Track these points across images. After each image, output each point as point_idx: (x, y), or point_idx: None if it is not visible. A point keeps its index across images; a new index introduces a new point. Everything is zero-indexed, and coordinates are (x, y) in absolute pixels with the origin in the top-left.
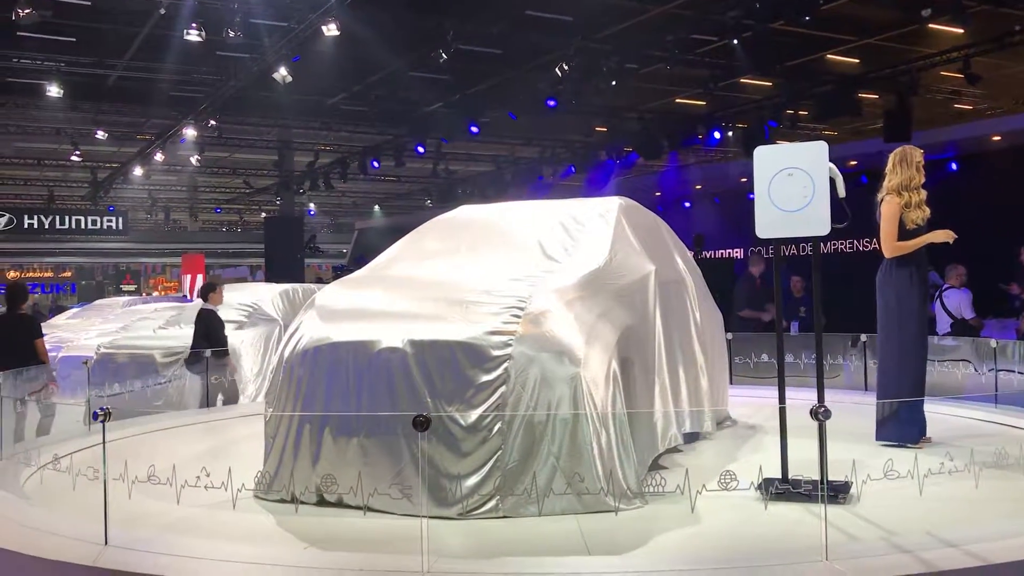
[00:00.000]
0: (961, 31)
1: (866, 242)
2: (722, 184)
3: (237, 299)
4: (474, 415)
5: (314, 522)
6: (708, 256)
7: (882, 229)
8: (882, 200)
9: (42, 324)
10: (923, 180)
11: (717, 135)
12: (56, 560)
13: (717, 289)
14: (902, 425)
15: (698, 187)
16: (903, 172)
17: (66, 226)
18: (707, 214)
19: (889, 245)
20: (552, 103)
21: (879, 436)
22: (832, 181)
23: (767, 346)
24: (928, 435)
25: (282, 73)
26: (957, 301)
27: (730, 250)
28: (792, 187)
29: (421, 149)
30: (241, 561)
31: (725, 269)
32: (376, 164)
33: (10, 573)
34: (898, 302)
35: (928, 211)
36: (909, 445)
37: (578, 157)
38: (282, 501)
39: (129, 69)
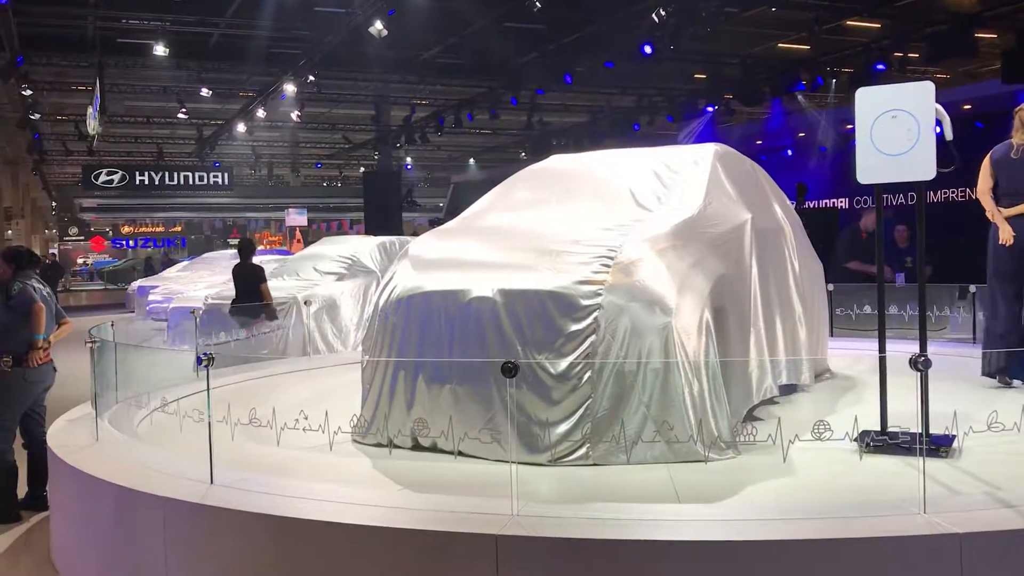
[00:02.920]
0: None
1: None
2: (826, 131)
3: (337, 251)
4: (564, 364)
5: (408, 465)
6: (812, 206)
7: None
8: None
9: (152, 276)
10: None
11: (822, 80)
12: (167, 496)
13: (820, 240)
14: None
15: (801, 135)
16: None
17: (175, 182)
18: (811, 162)
19: None
20: (648, 50)
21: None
22: (939, 123)
23: (869, 297)
24: None
25: (378, 27)
26: None
27: (835, 199)
28: (896, 130)
29: (514, 101)
30: (339, 501)
31: (829, 219)
32: (470, 117)
33: (125, 508)
34: None
35: None
36: None
37: (675, 105)
38: (378, 445)
39: (231, 27)
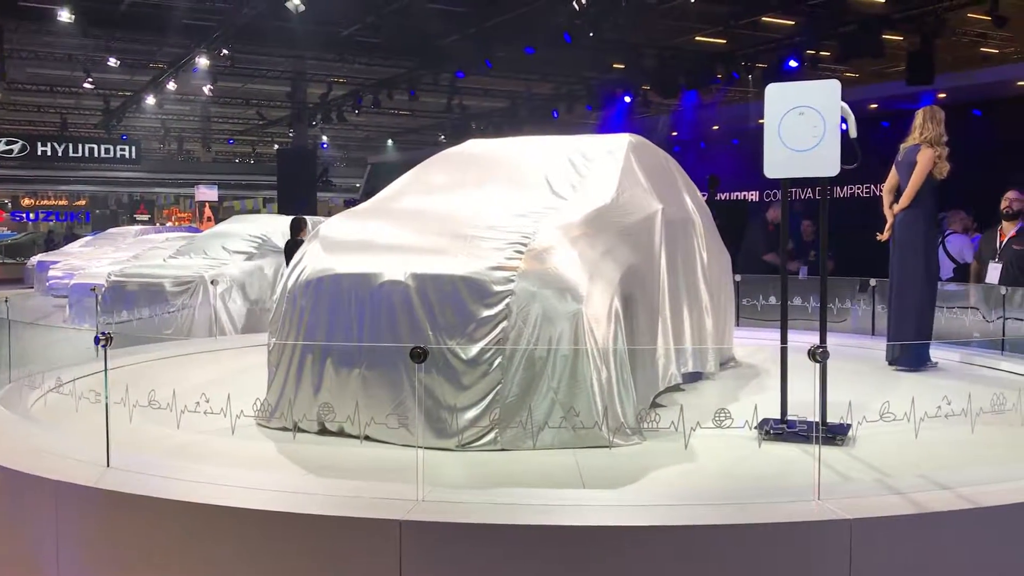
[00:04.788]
0: None
1: (883, 186)
2: (740, 125)
3: (247, 230)
4: (475, 349)
5: (314, 450)
6: (723, 198)
7: (917, 175)
8: (919, 149)
9: (54, 251)
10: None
11: (737, 75)
12: (60, 480)
13: (731, 231)
14: (919, 354)
15: (715, 127)
16: (934, 128)
17: (79, 154)
18: (724, 155)
19: (914, 191)
20: (568, 37)
21: (897, 364)
22: (844, 121)
23: (775, 288)
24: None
25: (295, 2)
26: (960, 246)
27: (746, 192)
28: (803, 126)
29: (434, 83)
30: (240, 486)
31: (739, 211)
32: (390, 97)
33: (16, 492)
34: (922, 245)
35: (949, 166)
36: (920, 369)
37: (594, 94)
38: (284, 429)
39: None
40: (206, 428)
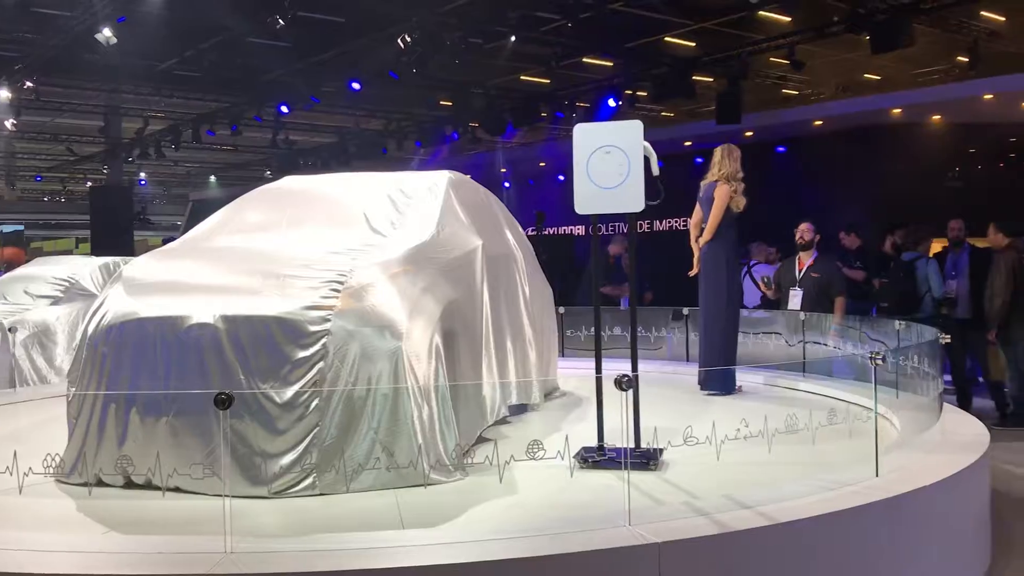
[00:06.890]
0: (787, 19)
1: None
2: (565, 161)
3: (53, 273)
4: (290, 392)
5: (118, 505)
6: (550, 233)
7: (715, 210)
8: (716, 186)
9: None
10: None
11: (561, 114)
12: None
13: (558, 265)
14: (726, 379)
15: (542, 164)
16: (731, 164)
17: None
18: (551, 191)
19: (715, 226)
20: (394, 75)
21: (706, 388)
22: (647, 159)
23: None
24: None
25: (106, 34)
26: (765, 274)
27: (571, 227)
28: (609, 164)
29: (258, 119)
30: (29, 549)
31: (566, 246)
32: (211, 132)
33: None
34: (724, 275)
35: (745, 200)
36: (728, 394)
37: (423, 131)
38: (86, 485)
39: None
40: None
